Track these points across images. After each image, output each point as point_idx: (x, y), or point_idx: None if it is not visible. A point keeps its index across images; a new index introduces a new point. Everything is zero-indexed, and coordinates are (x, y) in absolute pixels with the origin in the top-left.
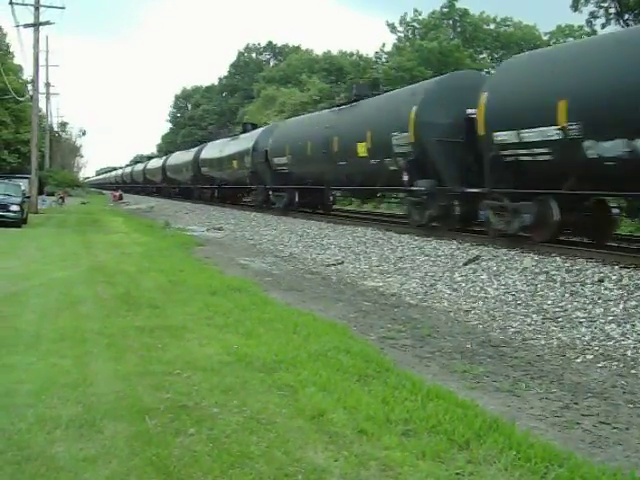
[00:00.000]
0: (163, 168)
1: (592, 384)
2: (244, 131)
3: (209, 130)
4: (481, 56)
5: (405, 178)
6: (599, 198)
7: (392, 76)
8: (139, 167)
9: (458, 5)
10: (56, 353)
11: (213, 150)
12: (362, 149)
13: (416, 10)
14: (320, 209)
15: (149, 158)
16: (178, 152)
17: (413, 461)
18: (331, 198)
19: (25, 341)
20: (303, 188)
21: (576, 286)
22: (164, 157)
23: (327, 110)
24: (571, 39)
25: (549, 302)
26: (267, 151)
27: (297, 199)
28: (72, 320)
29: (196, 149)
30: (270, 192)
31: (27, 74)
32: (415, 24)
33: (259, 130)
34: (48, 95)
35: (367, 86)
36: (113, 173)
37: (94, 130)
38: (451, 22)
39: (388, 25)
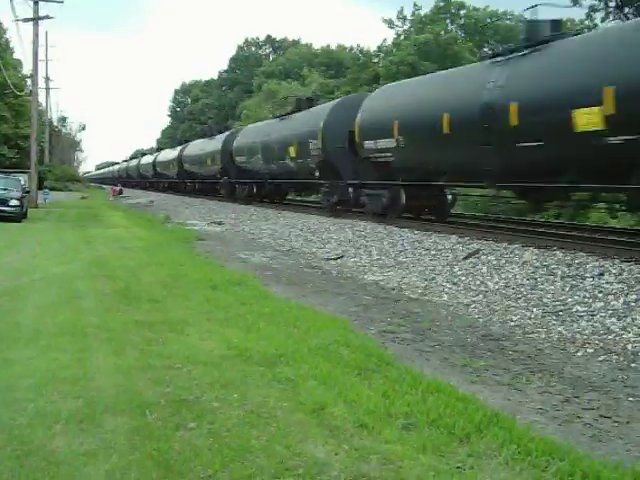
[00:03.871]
0: (179, 160)
1: (593, 378)
2: (298, 109)
3: (208, 124)
4: (483, 49)
5: None
6: None
7: (393, 71)
8: (147, 159)
9: None
10: (56, 347)
11: (253, 135)
12: (586, 119)
13: (415, 4)
14: (432, 214)
15: (159, 149)
16: (199, 140)
17: (414, 455)
18: (449, 197)
19: (25, 335)
20: (415, 185)
21: (576, 280)
22: (179, 147)
23: (469, 65)
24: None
25: (549, 296)
26: (351, 132)
27: (404, 200)
28: (72, 314)
29: (224, 135)
30: (350, 189)
31: (27, 69)
32: (415, 18)
33: (330, 104)
34: (48, 90)
35: (549, 23)
36: (116, 167)
37: (94, 125)
38: (449, 16)
39: (385, 21)
